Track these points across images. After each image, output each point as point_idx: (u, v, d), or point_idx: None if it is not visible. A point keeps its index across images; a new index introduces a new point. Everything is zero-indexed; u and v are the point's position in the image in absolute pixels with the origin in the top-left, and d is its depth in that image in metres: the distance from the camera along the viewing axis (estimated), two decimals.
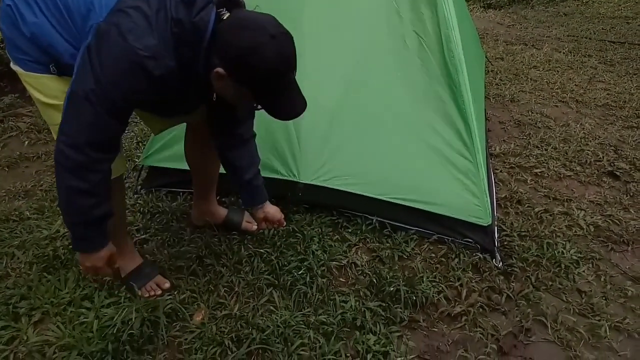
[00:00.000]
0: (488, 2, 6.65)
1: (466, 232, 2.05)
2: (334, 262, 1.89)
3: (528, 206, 2.33)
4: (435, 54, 2.14)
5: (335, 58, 2.18)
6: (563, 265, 1.96)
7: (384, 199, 2.09)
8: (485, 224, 2.01)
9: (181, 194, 2.24)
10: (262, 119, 2.00)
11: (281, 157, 2.14)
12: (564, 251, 2.04)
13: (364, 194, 2.09)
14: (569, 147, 2.84)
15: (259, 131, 1.80)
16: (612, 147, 2.88)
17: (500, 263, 1.96)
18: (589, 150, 2.82)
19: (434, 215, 2.07)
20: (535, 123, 3.13)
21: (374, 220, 2.09)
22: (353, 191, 2.10)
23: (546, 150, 2.81)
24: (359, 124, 2.13)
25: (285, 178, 2.13)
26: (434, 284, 1.81)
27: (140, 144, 2.74)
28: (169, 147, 2.21)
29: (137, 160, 2.49)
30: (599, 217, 2.28)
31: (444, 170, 2.08)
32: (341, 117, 2.14)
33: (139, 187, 2.28)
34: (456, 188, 2.06)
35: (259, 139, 1.84)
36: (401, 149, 2.11)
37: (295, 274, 1.80)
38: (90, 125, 1.17)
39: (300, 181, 2.10)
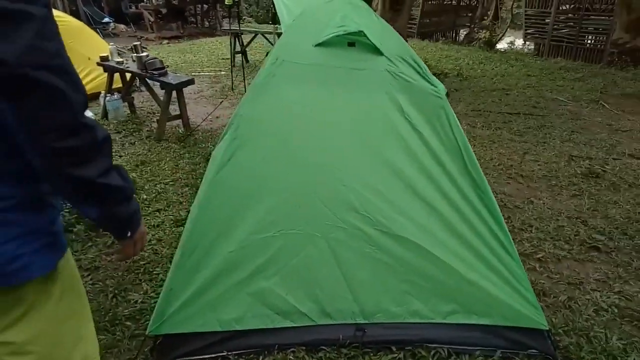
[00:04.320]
0: None
1: (527, 341, 1.98)
2: None
3: (553, 297, 2.37)
4: (457, 163, 2.14)
5: (359, 180, 2.05)
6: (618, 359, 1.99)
7: (441, 321, 1.96)
8: (545, 328, 1.99)
9: None
10: (301, 263, 1.80)
11: (330, 300, 1.91)
12: (611, 342, 2.08)
13: (421, 321, 1.95)
14: (548, 226, 3.03)
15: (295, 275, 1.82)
16: (578, 220, 3.14)
17: None
18: (565, 226, 3.04)
19: (491, 329, 1.99)
20: (505, 204, 3.31)
21: (446, 350, 1.92)
22: (412, 321, 1.95)
23: (532, 232, 2.95)
24: (399, 246, 2.00)
25: (341, 322, 1.89)
26: None
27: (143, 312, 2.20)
28: (189, 305, 1.83)
29: (137, 329, 2.01)
30: (615, 297, 2.40)
31: (492, 277, 2.03)
32: (381, 243, 1.98)
33: None
34: (508, 294, 2.01)
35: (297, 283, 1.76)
36: (446, 264, 2.00)
37: None
38: None
39: (359, 322, 1.89)
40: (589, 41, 11.83)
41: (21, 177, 0.92)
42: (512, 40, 13.73)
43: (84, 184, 0.90)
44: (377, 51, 2.21)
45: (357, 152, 2.08)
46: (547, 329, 2.00)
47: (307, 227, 1.96)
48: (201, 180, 3.38)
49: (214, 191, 1.93)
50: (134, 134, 4.84)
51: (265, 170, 1.98)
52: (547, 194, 3.54)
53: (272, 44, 8.49)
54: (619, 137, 4.99)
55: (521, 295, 2.02)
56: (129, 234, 1.06)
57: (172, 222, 2.96)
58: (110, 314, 2.12)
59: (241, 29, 6.39)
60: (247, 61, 8.44)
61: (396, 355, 1.91)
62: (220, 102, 5.49)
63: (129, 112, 5.47)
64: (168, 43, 12.77)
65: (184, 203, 3.23)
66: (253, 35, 7.48)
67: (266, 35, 8.14)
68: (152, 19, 14.78)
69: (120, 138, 4.73)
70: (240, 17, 6.90)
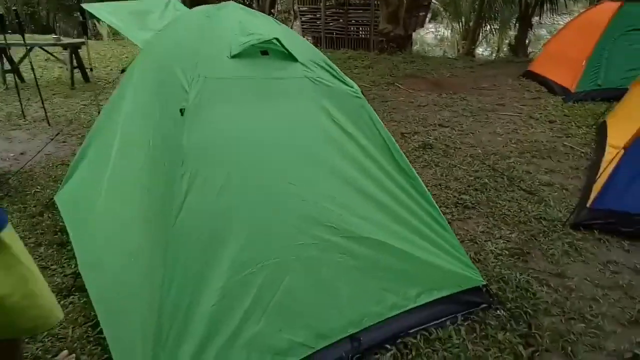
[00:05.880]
0: None
1: (476, 299, 2.28)
2: None
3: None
4: (385, 155, 2.25)
5: (314, 191, 1.98)
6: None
7: (414, 305, 2.08)
8: (484, 283, 2.30)
9: None
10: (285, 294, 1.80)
11: (321, 321, 1.84)
12: (517, 278, 2.54)
13: (399, 312, 2.03)
14: None
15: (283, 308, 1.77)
16: (442, 186, 3.67)
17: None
18: (437, 194, 3.51)
19: (450, 297, 2.20)
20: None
21: (427, 331, 2.04)
22: (392, 314, 2.01)
23: None
24: (364, 247, 2.02)
25: (337, 339, 1.83)
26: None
27: None
28: None
29: None
30: (501, 242, 2.92)
31: (437, 252, 2.22)
32: (349, 248, 1.97)
33: None
34: (452, 263, 2.25)
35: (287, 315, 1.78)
36: (403, 251, 2.10)
37: None
38: None
39: (352, 332, 1.87)
40: (353, 32, 13.64)
41: None
42: None
43: None
44: (291, 58, 2.14)
45: (303, 164, 2.00)
46: (485, 283, 2.32)
47: (283, 253, 1.81)
48: (63, 235, 2.75)
49: (177, 243, 1.61)
50: None
51: (224, 204, 1.74)
52: None
53: (55, 57, 7.27)
54: (423, 112, 5.93)
55: (461, 261, 2.28)
56: None
57: (56, 292, 2.32)
58: None
59: (18, 42, 5.27)
60: (23, 80, 7.02)
61: (392, 351, 1.96)
62: (56, 135, 4.44)
63: None
64: None
65: (54, 267, 2.57)
66: (28, 49, 6.18)
67: (46, 47, 6.89)
68: None
69: None
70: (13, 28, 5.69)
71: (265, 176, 1.88)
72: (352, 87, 2.26)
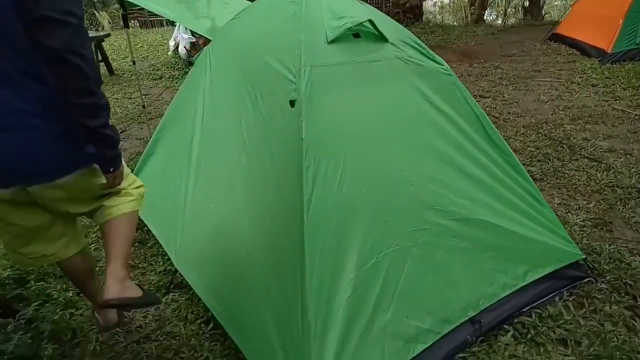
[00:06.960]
0: None
1: (578, 273, 2.25)
2: None
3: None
4: (479, 132, 2.20)
5: (421, 175, 1.94)
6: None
7: (523, 284, 2.05)
8: (583, 257, 2.26)
9: None
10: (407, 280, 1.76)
11: (442, 306, 1.82)
12: (607, 250, 2.49)
13: (511, 291, 2.01)
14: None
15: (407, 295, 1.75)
16: None
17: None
18: None
19: (556, 273, 2.16)
20: None
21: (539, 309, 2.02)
22: (506, 294, 1.98)
23: None
24: (472, 228, 1.98)
25: (459, 323, 1.82)
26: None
27: None
28: None
29: None
30: (581, 212, 2.87)
31: (538, 228, 2.17)
32: (460, 231, 1.94)
33: None
34: (554, 239, 2.20)
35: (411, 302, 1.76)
36: (507, 230, 2.07)
37: None
38: None
39: (471, 315, 1.85)
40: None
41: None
42: None
43: (89, 129, 1.37)
44: (382, 39, 2.07)
45: (407, 147, 1.96)
46: (584, 257, 2.29)
47: (400, 239, 1.79)
48: (139, 232, 2.73)
49: (312, 236, 1.58)
50: None
51: (345, 194, 1.70)
52: None
53: None
54: None
55: (560, 236, 2.24)
56: (111, 170, 1.52)
57: (155, 290, 2.32)
58: None
59: None
60: None
61: (511, 331, 1.94)
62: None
63: None
64: None
65: (143, 265, 2.56)
66: None
67: None
68: None
69: None
70: None
71: (377, 163, 1.84)
72: (442, 64, 2.20)
